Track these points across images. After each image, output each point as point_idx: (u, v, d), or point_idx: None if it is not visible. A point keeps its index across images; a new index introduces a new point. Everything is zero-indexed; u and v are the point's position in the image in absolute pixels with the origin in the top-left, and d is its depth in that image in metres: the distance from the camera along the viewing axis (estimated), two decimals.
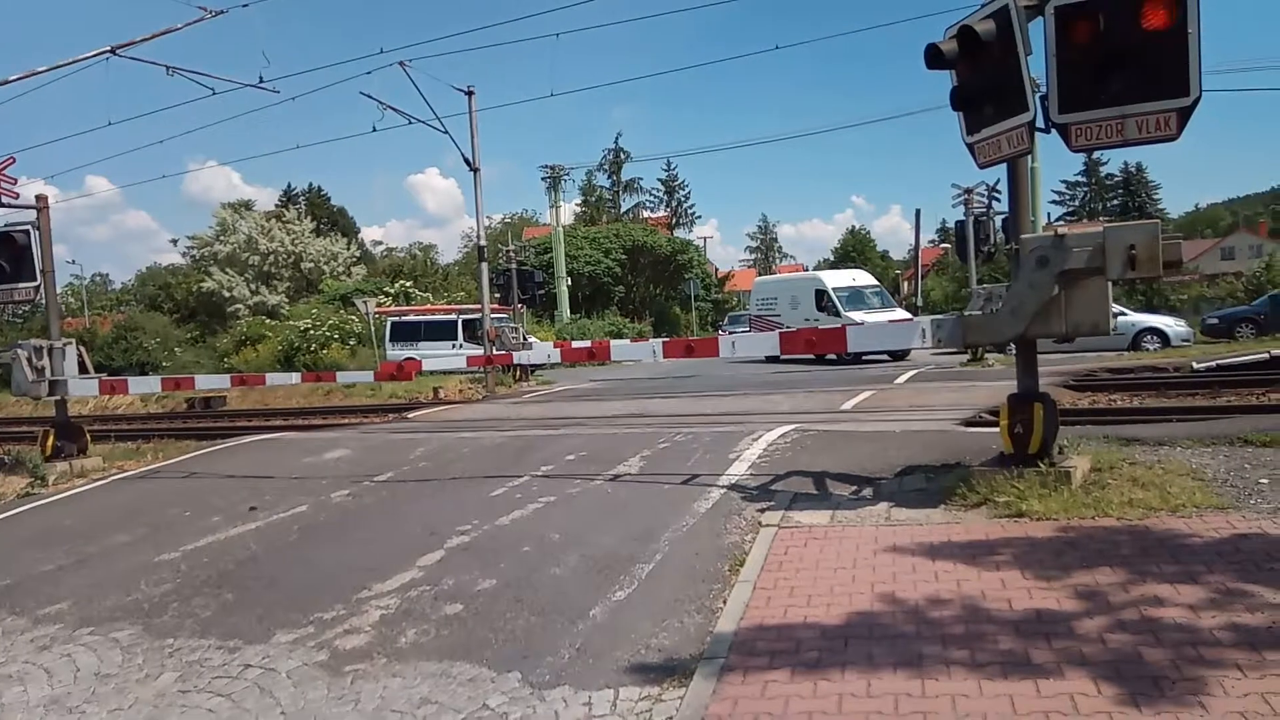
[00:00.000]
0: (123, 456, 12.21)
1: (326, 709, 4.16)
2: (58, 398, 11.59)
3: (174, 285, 62.03)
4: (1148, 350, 22.73)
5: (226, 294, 55.68)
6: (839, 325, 9.09)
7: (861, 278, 31.62)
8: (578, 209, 73.53)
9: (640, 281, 57.31)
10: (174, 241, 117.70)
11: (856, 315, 26.15)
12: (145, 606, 5.80)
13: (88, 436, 11.98)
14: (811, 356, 24.02)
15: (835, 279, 30.89)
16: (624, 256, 55.29)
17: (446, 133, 22.19)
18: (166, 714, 4.29)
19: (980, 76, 6.14)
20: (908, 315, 27.87)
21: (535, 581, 5.46)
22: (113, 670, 4.88)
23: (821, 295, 29.23)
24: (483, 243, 24.27)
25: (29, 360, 11.17)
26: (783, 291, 32.13)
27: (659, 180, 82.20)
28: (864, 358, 23.53)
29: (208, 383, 16.54)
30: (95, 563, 6.94)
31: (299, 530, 7.30)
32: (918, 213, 44.07)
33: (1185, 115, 5.53)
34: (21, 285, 11.40)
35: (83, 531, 7.99)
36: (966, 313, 6.70)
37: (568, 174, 52.31)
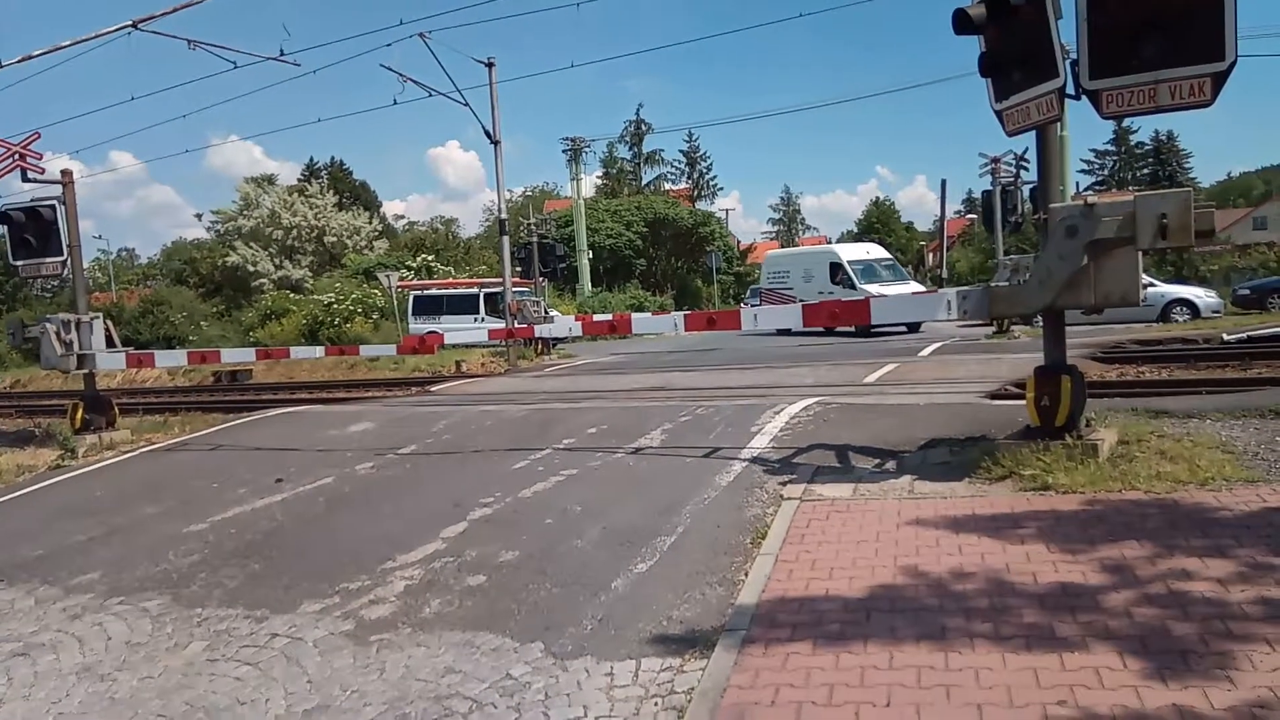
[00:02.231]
0: (151, 429, 12.37)
1: (352, 677, 4.21)
2: (86, 371, 11.76)
3: (199, 260, 62.49)
4: (1177, 322, 22.41)
5: (251, 268, 56.06)
6: (862, 298, 8.98)
7: (875, 251, 31.79)
8: (599, 181, 73.20)
9: (662, 254, 57.08)
10: (198, 216, 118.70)
11: (871, 288, 26.08)
12: (174, 577, 5.89)
13: (116, 409, 12.14)
14: (822, 329, 23.96)
15: (850, 252, 30.90)
16: (645, 229, 55.06)
17: (467, 105, 22.10)
18: (195, 682, 4.37)
19: (1009, 41, 6.02)
20: (921, 288, 27.98)
21: (557, 553, 5.49)
22: (143, 639, 4.97)
23: (837, 269, 29.20)
24: (504, 216, 24.19)
25: (57, 334, 11.34)
26: (795, 265, 32.09)
27: (680, 152, 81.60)
28: (873, 330, 23.45)
29: (233, 356, 16.82)
30: (125, 533, 7.05)
31: (324, 502, 7.37)
32: (943, 183, 43.82)
33: (1220, 80, 5.39)
34: (49, 260, 11.57)
35: (112, 503, 8.12)
36: (993, 284, 6.60)
37: (588, 146, 51.99)
